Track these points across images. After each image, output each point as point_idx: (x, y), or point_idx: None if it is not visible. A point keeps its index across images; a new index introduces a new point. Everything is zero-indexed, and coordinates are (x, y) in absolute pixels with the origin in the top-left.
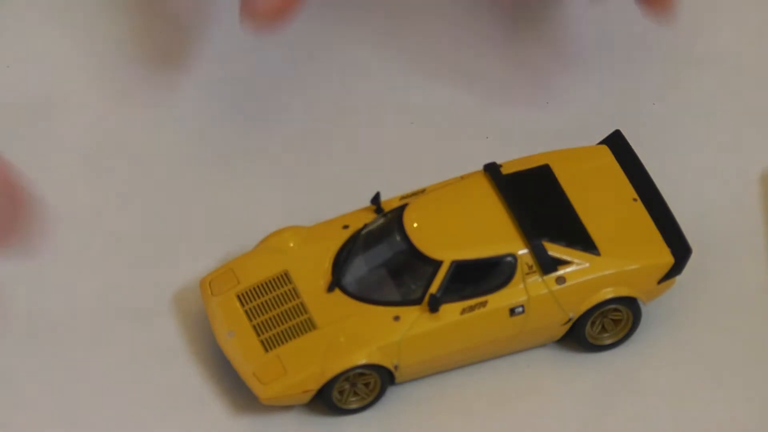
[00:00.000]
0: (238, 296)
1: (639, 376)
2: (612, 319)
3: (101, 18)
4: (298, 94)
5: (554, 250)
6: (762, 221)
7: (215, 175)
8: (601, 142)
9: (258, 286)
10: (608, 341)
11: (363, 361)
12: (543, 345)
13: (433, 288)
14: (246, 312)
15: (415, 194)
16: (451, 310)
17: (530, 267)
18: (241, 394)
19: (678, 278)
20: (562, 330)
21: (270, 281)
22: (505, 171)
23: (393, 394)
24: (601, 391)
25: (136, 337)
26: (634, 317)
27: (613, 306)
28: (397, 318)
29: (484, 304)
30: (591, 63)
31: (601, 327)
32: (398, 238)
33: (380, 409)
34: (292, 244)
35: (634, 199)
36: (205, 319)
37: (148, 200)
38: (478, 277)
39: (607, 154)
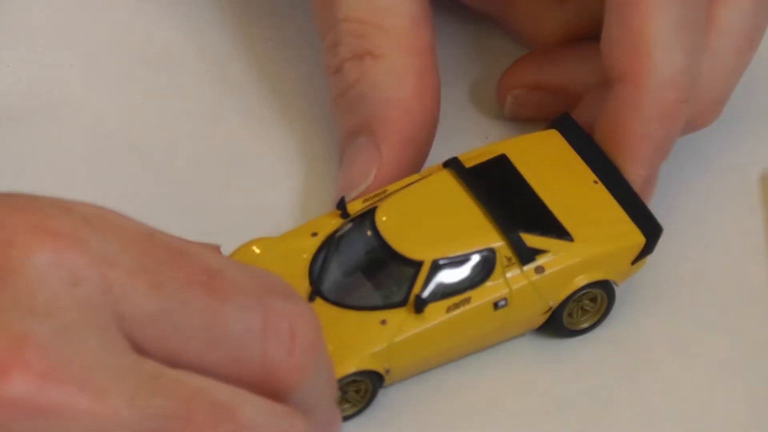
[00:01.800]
0: None
1: (638, 375)
2: (584, 305)
3: (102, 18)
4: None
5: (530, 241)
6: (762, 221)
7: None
8: (550, 126)
9: None
10: (585, 325)
11: (354, 369)
12: (523, 334)
13: (417, 289)
14: None
15: (377, 196)
16: (436, 309)
17: (509, 259)
18: None
19: (678, 278)
20: (542, 318)
21: None
22: (470, 164)
23: (387, 395)
24: (601, 391)
25: None
26: (608, 299)
27: (591, 291)
28: (384, 322)
29: (468, 300)
30: None
31: (580, 311)
32: (374, 241)
33: (377, 410)
34: (258, 251)
35: (595, 182)
36: None
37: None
38: (460, 273)
39: (558, 138)
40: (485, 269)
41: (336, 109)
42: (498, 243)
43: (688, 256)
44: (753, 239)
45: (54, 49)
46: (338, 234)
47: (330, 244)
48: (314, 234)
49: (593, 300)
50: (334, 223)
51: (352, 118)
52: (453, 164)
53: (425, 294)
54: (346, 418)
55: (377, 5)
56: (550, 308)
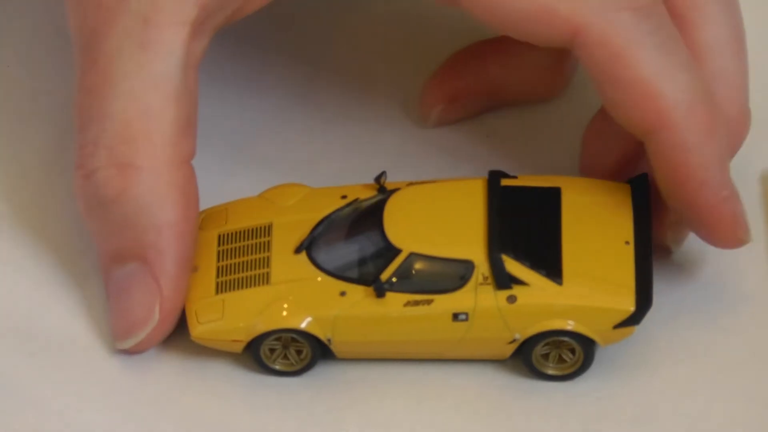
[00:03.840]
0: (219, 236)
1: (638, 375)
2: (563, 354)
3: None
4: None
5: (514, 268)
6: (762, 221)
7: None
8: (629, 181)
9: (239, 231)
10: (551, 372)
11: (295, 326)
12: (492, 360)
13: (385, 274)
14: (218, 252)
15: (422, 183)
16: (395, 300)
17: (485, 278)
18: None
19: (678, 277)
20: (509, 349)
21: (252, 229)
22: (516, 183)
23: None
24: (601, 391)
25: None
26: (585, 357)
27: (566, 340)
28: (343, 293)
29: (429, 302)
30: None
31: (557, 357)
32: (374, 219)
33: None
34: (290, 201)
35: (627, 242)
36: None
37: None
38: (432, 274)
39: (625, 193)
40: (459, 280)
41: (92, 219)
42: (480, 259)
43: (688, 256)
44: (753, 239)
45: (54, 49)
46: (355, 204)
47: (343, 210)
48: (343, 197)
49: (573, 351)
50: (366, 193)
51: (117, 239)
52: (493, 176)
53: (390, 281)
54: (277, 373)
55: (148, 108)
56: (515, 340)
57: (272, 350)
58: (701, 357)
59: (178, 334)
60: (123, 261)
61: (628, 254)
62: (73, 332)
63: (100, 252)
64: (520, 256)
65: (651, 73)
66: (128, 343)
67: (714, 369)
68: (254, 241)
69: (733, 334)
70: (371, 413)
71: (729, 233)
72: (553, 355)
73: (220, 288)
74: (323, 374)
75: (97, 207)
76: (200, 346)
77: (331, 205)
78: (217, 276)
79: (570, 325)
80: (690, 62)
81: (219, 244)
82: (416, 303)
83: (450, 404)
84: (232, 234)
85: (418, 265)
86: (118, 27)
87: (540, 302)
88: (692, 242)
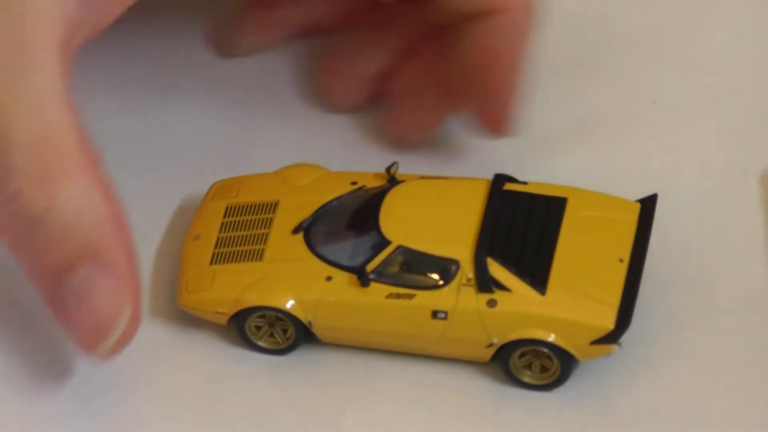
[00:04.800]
0: (227, 207)
1: (639, 375)
2: (544, 363)
3: None
4: None
5: (498, 272)
6: (762, 221)
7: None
8: (640, 201)
9: (246, 205)
10: (527, 380)
11: (277, 305)
12: (472, 362)
13: (371, 264)
14: (222, 223)
15: (430, 178)
16: (378, 291)
17: (469, 280)
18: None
19: (678, 278)
20: (487, 352)
21: (258, 205)
22: (521, 189)
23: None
24: (601, 391)
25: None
26: (562, 370)
27: (545, 350)
28: (329, 278)
29: (410, 296)
30: (592, 63)
31: (540, 367)
32: (372, 209)
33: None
34: (302, 182)
35: (621, 260)
36: None
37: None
38: (418, 270)
39: (634, 212)
40: (443, 278)
41: (24, 243)
42: (466, 260)
43: (689, 256)
44: (753, 239)
45: None
46: (362, 191)
47: (347, 196)
48: (353, 183)
49: (546, 366)
50: (376, 182)
51: (59, 250)
52: (497, 179)
53: (375, 271)
54: (260, 349)
55: (47, 121)
56: (493, 344)
57: (258, 328)
58: (701, 357)
59: (178, 335)
60: (72, 268)
61: (620, 272)
62: None
63: (40, 273)
64: (507, 262)
65: None
66: (105, 347)
67: (714, 369)
68: (258, 216)
69: (733, 334)
70: (371, 413)
71: (508, 122)
72: (535, 365)
73: (215, 259)
74: (323, 374)
75: (29, 227)
76: (194, 330)
77: (340, 189)
78: (215, 247)
79: (547, 336)
80: None
81: (224, 216)
82: (398, 296)
83: (449, 406)
84: (238, 207)
85: (405, 259)
86: None
87: (518, 310)
88: (692, 242)
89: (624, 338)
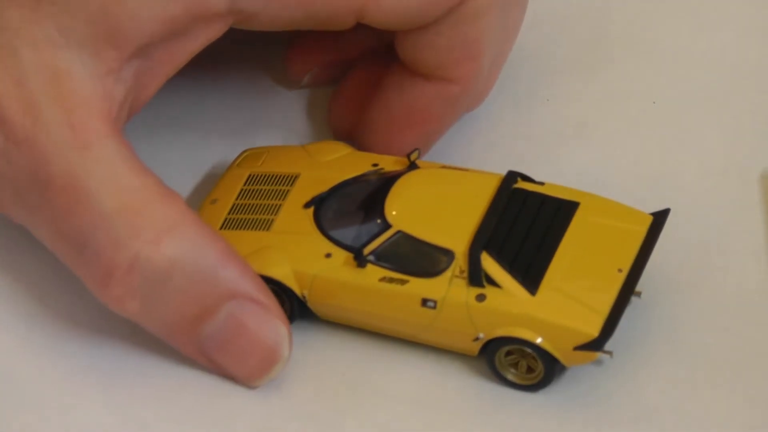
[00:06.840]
0: (249, 175)
1: (639, 375)
2: (529, 365)
3: None
4: None
5: (491, 268)
6: (762, 221)
7: None
8: (653, 214)
9: (267, 175)
10: (510, 377)
11: (272, 275)
12: (472, 363)
13: (370, 246)
14: (241, 190)
15: (448, 168)
16: (373, 273)
17: (462, 272)
18: None
19: (678, 278)
20: (474, 346)
21: (279, 176)
22: (534, 189)
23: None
24: (601, 391)
25: None
26: (545, 372)
27: (531, 351)
28: (328, 255)
29: (403, 282)
30: (591, 63)
31: (526, 367)
32: (381, 192)
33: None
34: (327, 158)
35: (619, 270)
36: None
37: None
38: (414, 256)
39: (644, 224)
40: (437, 267)
41: (154, 305)
42: (461, 251)
43: (689, 255)
44: (753, 239)
45: None
46: (378, 174)
47: (364, 177)
48: (375, 164)
49: (531, 367)
50: (396, 166)
51: (194, 300)
52: (508, 177)
53: (373, 253)
54: None
55: (127, 186)
56: (479, 339)
57: None
58: (701, 357)
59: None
60: (213, 312)
61: (616, 282)
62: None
63: (179, 328)
64: (503, 258)
65: (485, 48)
66: (274, 372)
67: (714, 369)
68: (276, 187)
69: (733, 334)
70: (371, 414)
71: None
72: (521, 365)
73: (225, 224)
74: (324, 374)
75: (157, 287)
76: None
77: (360, 169)
78: (229, 212)
79: (531, 337)
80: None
81: (245, 183)
82: (391, 280)
83: (449, 406)
84: (260, 176)
85: (403, 244)
86: (49, 144)
87: (506, 307)
88: (692, 242)
89: (624, 338)
